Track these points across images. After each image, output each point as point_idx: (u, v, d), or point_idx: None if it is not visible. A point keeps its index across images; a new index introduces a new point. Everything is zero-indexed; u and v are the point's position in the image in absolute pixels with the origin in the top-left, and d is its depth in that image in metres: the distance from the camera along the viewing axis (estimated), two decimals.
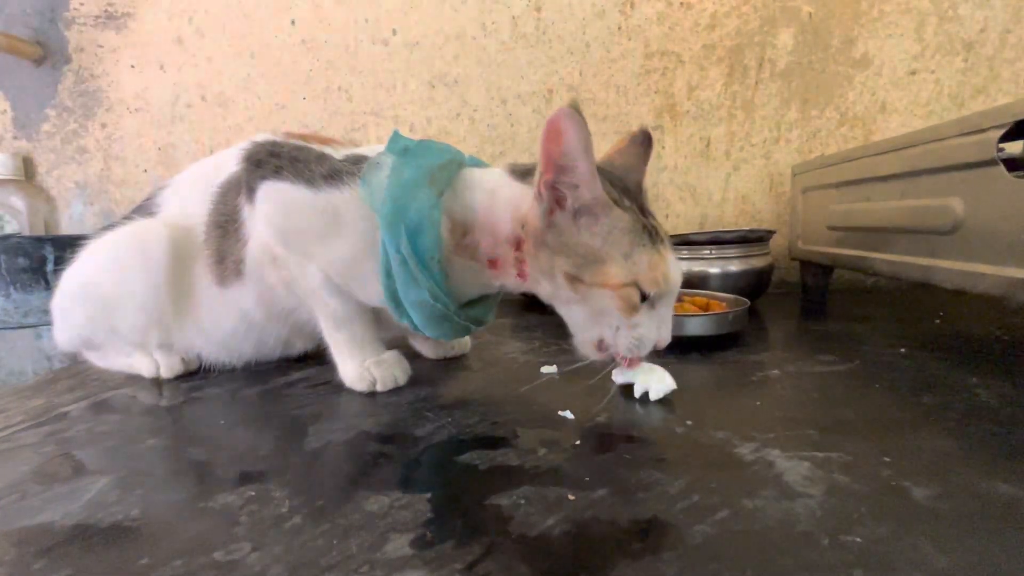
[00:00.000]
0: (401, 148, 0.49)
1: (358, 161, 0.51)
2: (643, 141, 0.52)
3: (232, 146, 0.59)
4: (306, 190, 0.49)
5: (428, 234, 0.45)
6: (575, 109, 0.39)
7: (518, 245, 0.46)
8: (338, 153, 0.53)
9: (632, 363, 0.46)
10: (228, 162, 0.57)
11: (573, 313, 0.46)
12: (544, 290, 0.47)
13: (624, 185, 0.46)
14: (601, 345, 0.45)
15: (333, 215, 0.49)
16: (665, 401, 0.47)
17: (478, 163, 0.53)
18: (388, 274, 0.47)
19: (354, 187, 0.49)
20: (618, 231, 0.43)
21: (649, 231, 0.44)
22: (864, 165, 0.72)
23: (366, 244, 0.48)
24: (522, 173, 0.48)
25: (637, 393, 0.47)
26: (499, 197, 0.47)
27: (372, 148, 0.54)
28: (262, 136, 0.57)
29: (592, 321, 0.45)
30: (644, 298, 0.43)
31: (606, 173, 0.45)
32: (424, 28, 1.05)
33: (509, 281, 0.49)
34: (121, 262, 0.57)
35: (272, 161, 0.51)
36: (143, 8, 1.07)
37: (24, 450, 0.42)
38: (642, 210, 0.45)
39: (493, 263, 0.48)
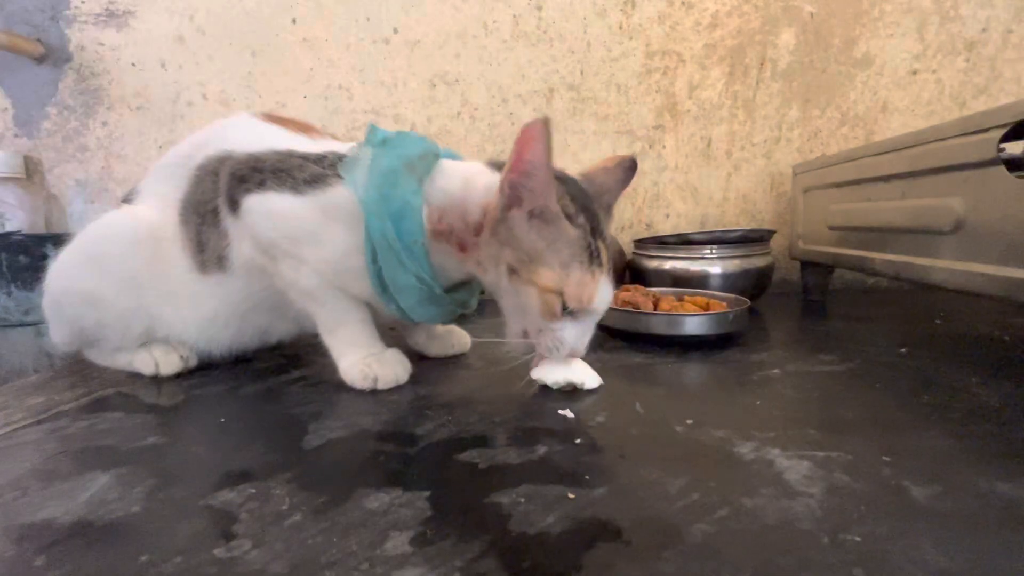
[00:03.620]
0: (380, 140, 0.51)
1: (337, 161, 0.51)
2: (629, 167, 0.55)
3: (207, 127, 0.59)
4: (291, 197, 0.50)
5: (410, 219, 0.48)
6: (547, 125, 0.42)
7: (477, 231, 0.48)
8: (317, 144, 0.55)
9: (545, 359, 0.49)
10: (207, 143, 0.57)
11: (507, 304, 0.49)
12: (489, 278, 0.49)
13: (586, 204, 0.48)
14: (525, 335, 0.49)
15: (320, 215, 0.50)
16: (665, 400, 0.47)
17: (453, 155, 0.55)
18: (374, 260, 0.48)
19: (336, 187, 0.50)
20: (562, 242, 0.46)
21: (592, 252, 0.46)
22: (865, 165, 0.72)
23: (354, 239, 0.49)
24: (498, 165, 0.50)
25: (555, 386, 0.49)
26: (474, 184, 0.49)
27: (350, 145, 0.54)
28: (238, 117, 0.58)
29: (521, 315, 0.48)
30: (565, 308, 0.46)
31: (575, 188, 0.48)
32: (425, 27, 1.05)
33: (473, 266, 0.50)
34: (97, 252, 0.57)
35: (255, 176, 0.52)
36: (144, 6, 1.07)
37: (25, 447, 0.42)
38: (594, 231, 0.47)
39: (462, 247, 0.50)
